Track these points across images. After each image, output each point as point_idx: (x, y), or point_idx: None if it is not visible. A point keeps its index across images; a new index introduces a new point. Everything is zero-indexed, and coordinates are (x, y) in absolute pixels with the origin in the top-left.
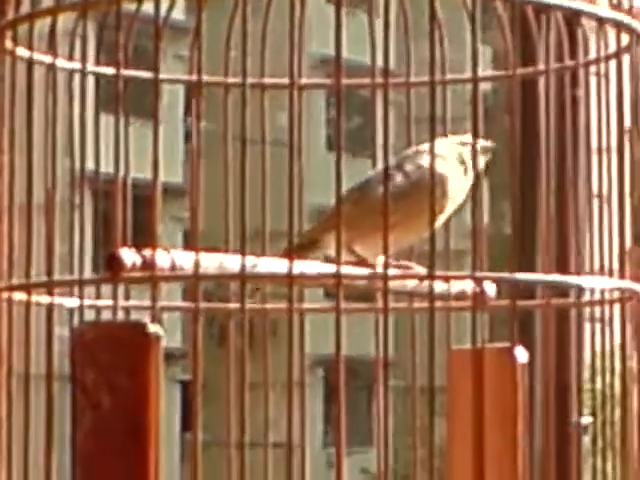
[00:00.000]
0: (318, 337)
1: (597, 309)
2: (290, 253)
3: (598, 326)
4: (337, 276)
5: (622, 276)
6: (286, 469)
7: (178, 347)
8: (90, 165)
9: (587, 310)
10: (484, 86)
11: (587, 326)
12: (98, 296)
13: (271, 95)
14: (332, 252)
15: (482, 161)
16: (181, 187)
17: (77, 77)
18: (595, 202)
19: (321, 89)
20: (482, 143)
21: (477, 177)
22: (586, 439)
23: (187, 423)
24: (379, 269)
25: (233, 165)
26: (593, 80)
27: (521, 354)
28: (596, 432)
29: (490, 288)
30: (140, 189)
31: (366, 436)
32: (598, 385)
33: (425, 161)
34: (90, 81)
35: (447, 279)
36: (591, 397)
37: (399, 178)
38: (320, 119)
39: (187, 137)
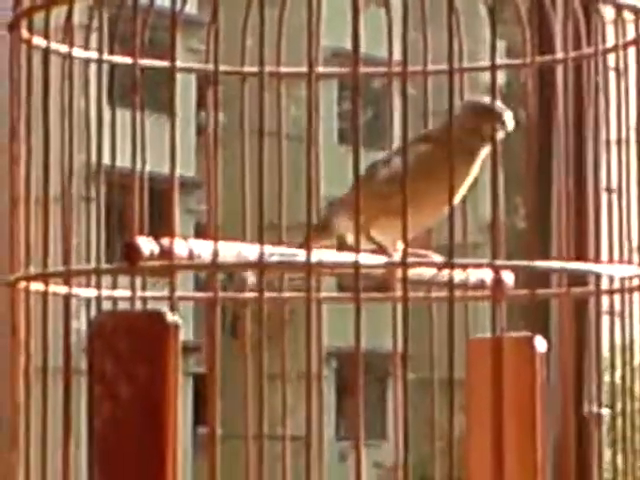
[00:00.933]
0: (331, 329)
1: (616, 299)
2: (307, 242)
3: (617, 320)
4: (356, 265)
5: None
6: (305, 462)
7: (190, 340)
8: (105, 159)
9: (605, 303)
10: (497, 80)
11: (605, 318)
12: (115, 287)
13: (284, 88)
14: (347, 236)
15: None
16: (194, 180)
17: (93, 68)
18: (614, 190)
19: (337, 78)
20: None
21: (494, 161)
22: (604, 430)
23: (199, 416)
24: (397, 256)
25: (249, 156)
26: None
27: (540, 344)
28: (614, 425)
29: (508, 277)
30: (156, 183)
31: (379, 429)
32: (613, 378)
33: (424, 146)
34: (104, 74)
35: (465, 267)
36: (609, 390)
37: (397, 161)
38: (332, 112)
39: (199, 131)
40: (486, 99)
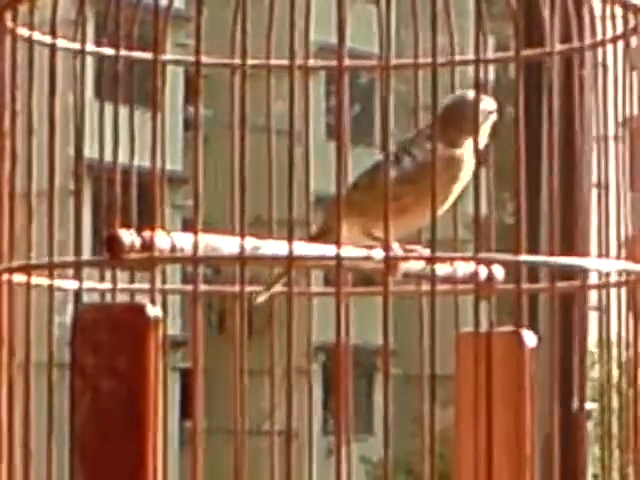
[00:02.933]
0: (318, 324)
1: (602, 296)
2: (289, 234)
3: (604, 315)
4: (338, 258)
5: (629, 259)
6: (286, 457)
7: (177, 335)
8: (93, 154)
9: (592, 299)
10: (487, 76)
11: (593, 314)
12: (102, 279)
13: (273, 81)
14: (347, 237)
15: (489, 125)
16: (181, 176)
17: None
18: (603, 186)
19: (325, 72)
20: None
21: (477, 152)
22: (590, 425)
23: (186, 411)
24: (397, 250)
25: (238, 150)
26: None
27: (530, 338)
28: (602, 420)
29: (498, 271)
30: (143, 177)
31: (366, 424)
32: (602, 373)
33: (428, 143)
34: (90, 71)
35: (450, 260)
36: (599, 386)
37: (407, 162)
38: (320, 107)
39: (187, 126)
40: (466, 93)
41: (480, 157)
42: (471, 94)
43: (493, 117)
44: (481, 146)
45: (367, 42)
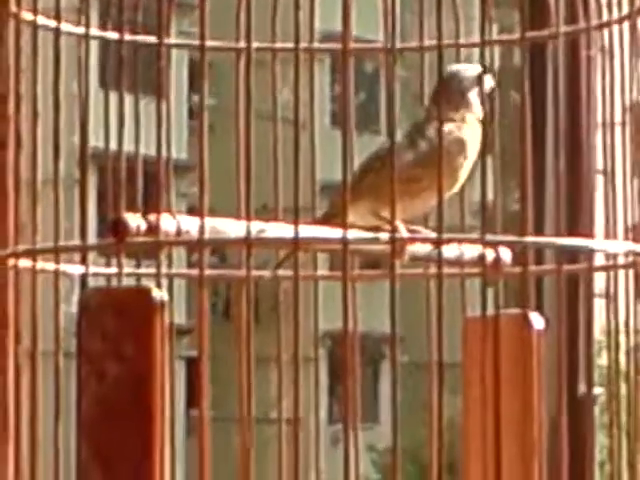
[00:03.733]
0: (325, 310)
1: (610, 280)
2: (295, 218)
3: (609, 300)
4: (344, 241)
5: (635, 240)
6: (293, 445)
7: (183, 323)
8: (98, 141)
9: (598, 286)
10: (492, 62)
11: (598, 302)
12: (109, 264)
13: (279, 67)
14: (355, 220)
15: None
16: (186, 163)
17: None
18: (606, 172)
19: (330, 58)
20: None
21: (485, 131)
22: (597, 410)
23: (192, 399)
24: (403, 232)
25: (243, 135)
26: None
27: (537, 320)
28: (609, 407)
29: (505, 254)
30: (149, 165)
31: (372, 412)
32: (610, 359)
33: (445, 126)
34: (95, 59)
35: (456, 242)
36: (607, 372)
37: (423, 144)
38: (325, 95)
39: (191, 114)
40: (458, 66)
41: (490, 141)
42: (453, 67)
43: (488, 82)
44: (480, 115)
45: (372, 30)
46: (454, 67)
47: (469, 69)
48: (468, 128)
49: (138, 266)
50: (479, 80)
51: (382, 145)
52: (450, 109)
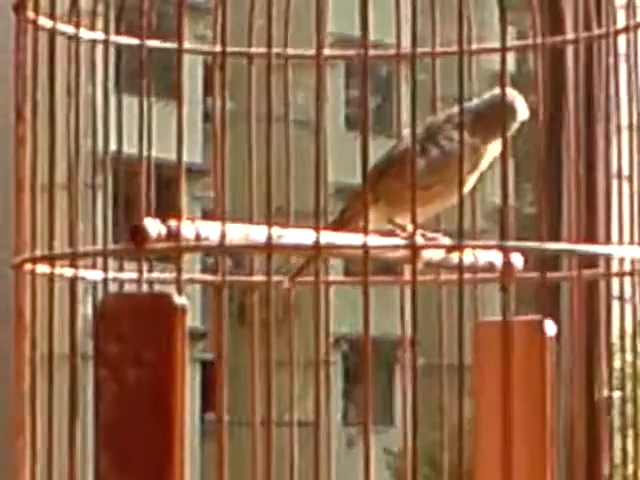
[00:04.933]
0: (339, 315)
1: (626, 282)
2: (316, 224)
3: (623, 303)
4: (365, 247)
5: None
6: (314, 448)
7: (198, 327)
8: (112, 145)
9: (615, 287)
10: (508, 66)
11: (615, 302)
12: (122, 269)
13: (291, 72)
14: (370, 226)
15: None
16: (201, 167)
17: (99, 53)
18: (621, 176)
19: (344, 62)
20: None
21: (505, 143)
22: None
23: (207, 403)
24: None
25: (256, 139)
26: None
27: (550, 327)
28: (624, 410)
29: (517, 260)
30: (163, 169)
31: (387, 415)
32: (624, 363)
33: (455, 133)
34: (112, 59)
35: (474, 249)
36: (620, 375)
37: (434, 151)
38: (339, 99)
39: (206, 117)
40: (507, 95)
41: (506, 152)
42: (513, 95)
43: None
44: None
45: (383, 32)
46: (512, 95)
47: (521, 106)
48: (485, 144)
49: (151, 271)
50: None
51: (392, 149)
52: (482, 128)
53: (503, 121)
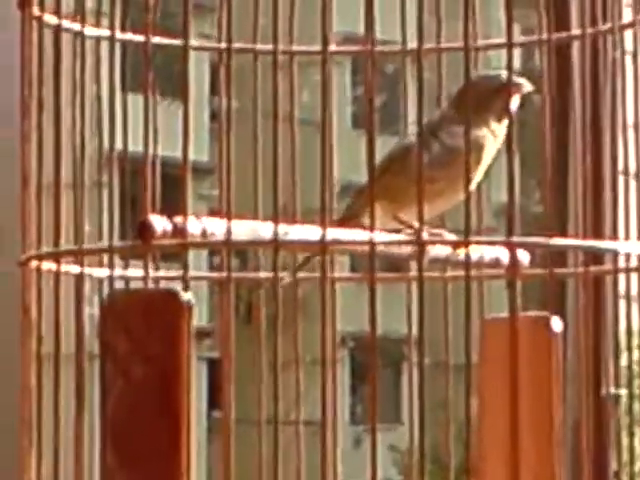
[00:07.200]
0: (345, 313)
1: (633, 279)
2: (322, 220)
3: (629, 300)
4: (371, 242)
5: None
6: (321, 447)
7: (204, 325)
8: (118, 143)
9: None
10: (513, 62)
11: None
12: (127, 266)
13: (296, 69)
14: (376, 222)
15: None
16: (207, 166)
17: (104, 52)
18: (628, 173)
19: (351, 60)
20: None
21: (510, 136)
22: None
23: (214, 401)
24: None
25: (262, 137)
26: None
27: (556, 324)
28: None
29: (524, 256)
30: (169, 168)
31: (393, 413)
32: (630, 360)
33: (461, 127)
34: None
35: (481, 244)
36: (627, 373)
37: (436, 147)
38: (345, 96)
39: (213, 116)
40: (494, 73)
41: (511, 138)
42: (486, 73)
43: (526, 86)
44: (503, 129)
45: (388, 29)
46: (481, 73)
47: (496, 75)
48: (487, 131)
49: (157, 268)
50: (505, 86)
51: (396, 146)
52: (473, 113)
53: (506, 108)
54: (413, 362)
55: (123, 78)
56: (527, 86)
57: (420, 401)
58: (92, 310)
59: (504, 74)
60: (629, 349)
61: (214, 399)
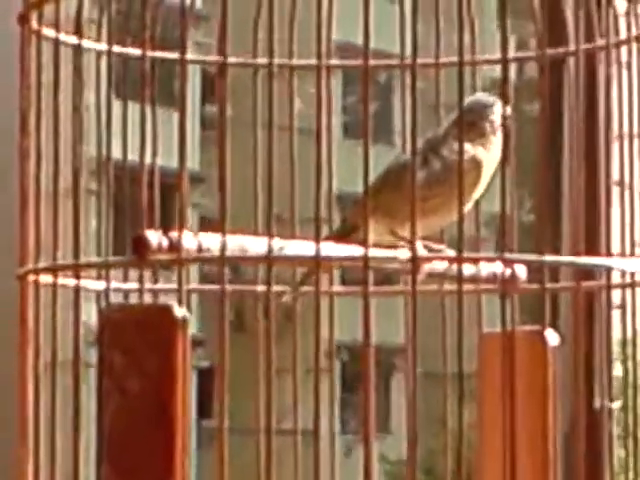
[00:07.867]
0: (338, 323)
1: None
2: (316, 235)
3: (625, 313)
4: (365, 258)
5: None
6: (313, 456)
7: (195, 333)
8: (116, 153)
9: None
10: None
11: (615, 312)
12: (126, 280)
13: (296, 81)
14: (371, 237)
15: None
16: (197, 174)
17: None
18: (626, 185)
19: (345, 71)
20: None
21: (504, 152)
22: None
23: (203, 410)
24: (421, 250)
25: (260, 149)
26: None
27: (552, 337)
28: (625, 420)
29: (521, 270)
30: (163, 177)
31: (383, 423)
32: (624, 373)
33: (456, 144)
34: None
35: (475, 261)
36: (622, 385)
37: (436, 164)
38: (337, 106)
39: (204, 124)
40: (479, 95)
41: (507, 157)
42: (485, 97)
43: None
44: (499, 147)
45: (385, 40)
46: (477, 95)
47: (490, 99)
48: (485, 150)
49: (156, 281)
50: (499, 108)
51: (394, 160)
52: (473, 133)
53: (504, 125)
54: (407, 374)
55: (118, 89)
56: (501, 110)
57: (412, 412)
58: (89, 320)
59: (491, 98)
60: (624, 361)
61: (204, 408)
